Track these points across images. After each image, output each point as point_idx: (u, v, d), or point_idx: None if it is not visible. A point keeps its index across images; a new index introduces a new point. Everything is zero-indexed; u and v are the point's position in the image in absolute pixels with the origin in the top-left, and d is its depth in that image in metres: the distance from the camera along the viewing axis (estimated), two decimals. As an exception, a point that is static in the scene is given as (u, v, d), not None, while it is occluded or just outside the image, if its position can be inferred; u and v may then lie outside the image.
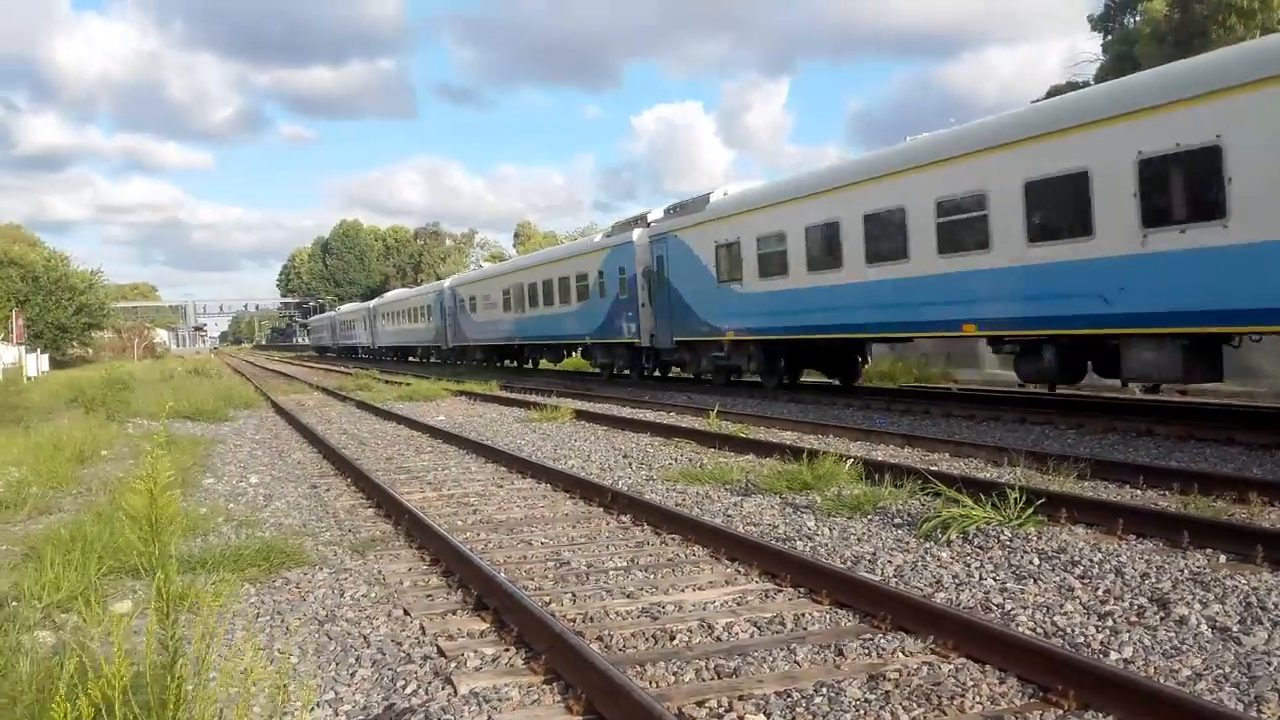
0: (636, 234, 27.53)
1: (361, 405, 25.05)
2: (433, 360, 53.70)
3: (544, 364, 41.12)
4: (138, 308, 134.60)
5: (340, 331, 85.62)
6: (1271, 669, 4.87)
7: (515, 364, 43.16)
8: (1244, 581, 6.20)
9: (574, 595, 6.86)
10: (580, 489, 10.71)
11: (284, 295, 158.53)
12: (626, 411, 19.49)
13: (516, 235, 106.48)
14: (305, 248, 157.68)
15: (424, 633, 6.19)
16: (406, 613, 6.64)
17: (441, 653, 5.77)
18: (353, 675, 5.51)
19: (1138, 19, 30.14)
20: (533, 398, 23.93)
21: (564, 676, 5.18)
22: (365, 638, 6.16)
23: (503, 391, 27.07)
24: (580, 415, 18.83)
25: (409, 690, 5.23)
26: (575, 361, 37.88)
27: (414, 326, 56.30)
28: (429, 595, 7.07)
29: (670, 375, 30.13)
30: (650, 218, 27.40)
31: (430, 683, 5.31)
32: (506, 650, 5.74)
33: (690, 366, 25.83)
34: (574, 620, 6.24)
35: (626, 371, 30.04)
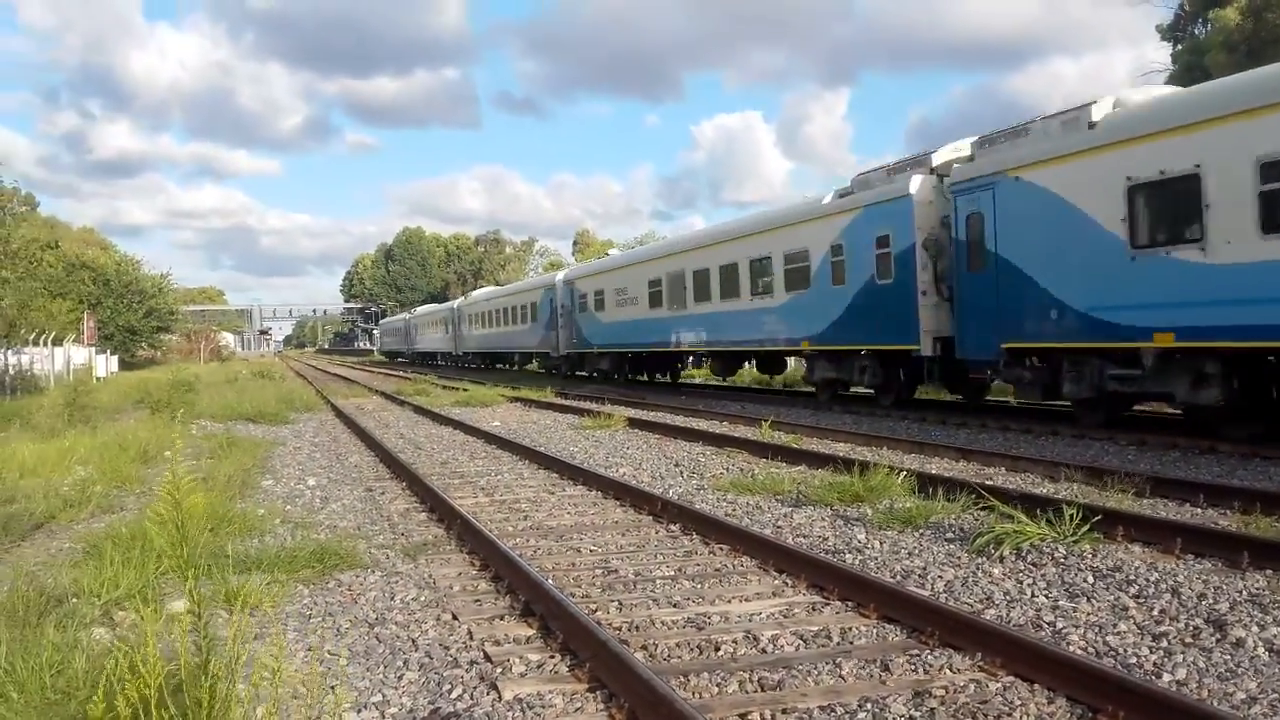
0: (558, 278, 36.07)
1: (419, 410, 25.34)
2: (538, 369, 46.14)
3: (701, 377, 37.08)
4: (205, 311, 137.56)
5: (417, 335, 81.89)
6: (1331, 696, 4.74)
7: (662, 377, 35.36)
8: (1305, 605, 6.04)
9: (620, 603, 6.87)
10: (630, 497, 10.74)
11: (347, 300, 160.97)
12: (679, 420, 19.50)
13: (575, 243, 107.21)
14: (369, 254, 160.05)
15: (471, 638, 6.24)
16: (455, 617, 6.70)
17: (488, 658, 5.82)
18: (400, 678, 5.58)
19: (1208, 28, 29.52)
20: (587, 405, 24.04)
21: (607, 685, 5.19)
22: (414, 641, 6.23)
23: (558, 399, 27.21)
24: (633, 423, 18.87)
25: (454, 695, 5.28)
26: (787, 375, 30.52)
27: (511, 329, 47.87)
28: (477, 600, 7.12)
29: (577, 375, 35.81)
30: (938, 159, 18.53)
31: (476, 688, 5.35)
32: (551, 657, 5.77)
33: (580, 367, 33.12)
34: (619, 629, 6.26)
35: (554, 371, 39.48)
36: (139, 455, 14.52)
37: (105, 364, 52.53)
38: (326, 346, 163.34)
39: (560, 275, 40.73)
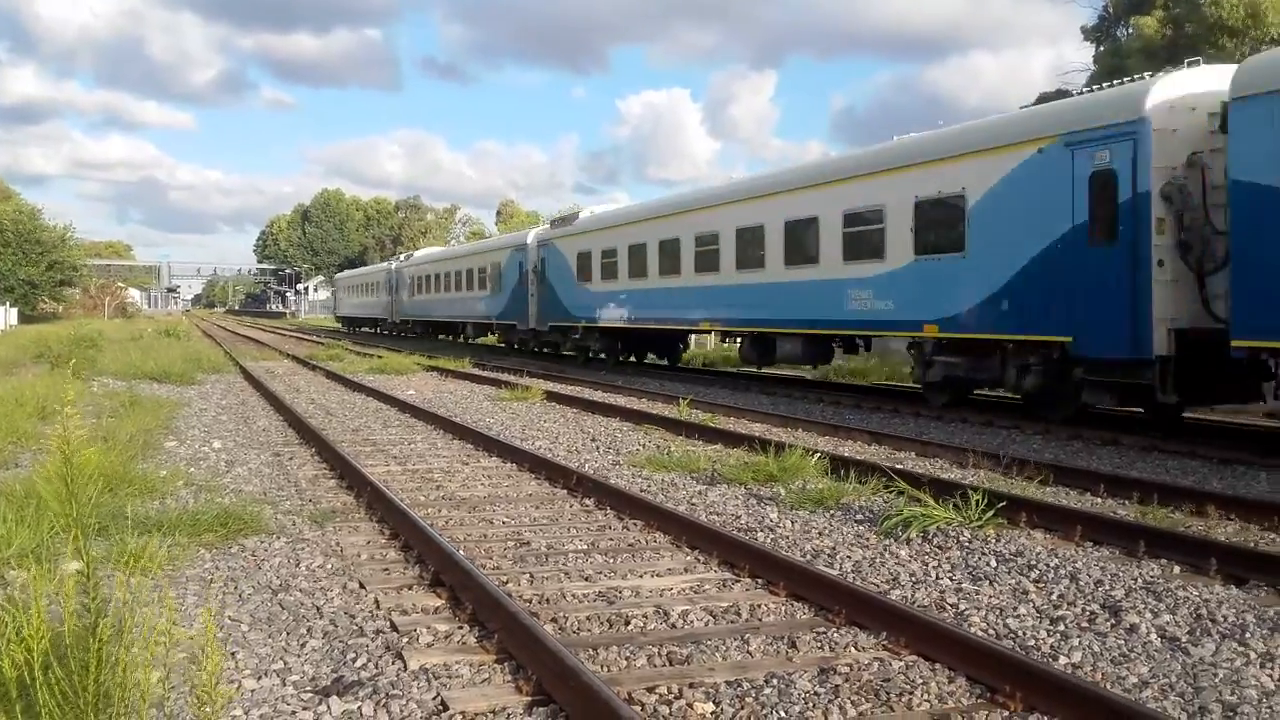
0: (530, 238, 33.46)
1: (331, 375, 24.90)
2: (498, 343, 40.68)
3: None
4: (111, 266, 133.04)
5: (345, 297, 68.26)
6: (1217, 680, 4.91)
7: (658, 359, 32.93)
8: (1196, 593, 6.26)
9: (532, 576, 6.84)
10: (546, 470, 10.69)
11: (261, 261, 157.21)
12: (598, 395, 19.47)
13: (499, 213, 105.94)
14: (284, 214, 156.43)
15: (378, 607, 6.17)
16: (362, 586, 6.61)
17: (394, 627, 5.75)
18: (303, 646, 5.48)
19: (1130, 32, 30.27)
20: (505, 376, 23.86)
21: (515, 656, 5.16)
22: (318, 609, 6.13)
23: (475, 369, 26.96)
24: (551, 397, 18.79)
25: (359, 663, 5.21)
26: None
27: (464, 296, 41.03)
28: (386, 569, 7.03)
29: (557, 354, 34.12)
30: (539, 228, 34.83)
31: (381, 657, 5.29)
32: (460, 628, 5.72)
33: (560, 346, 32.35)
34: (530, 601, 6.23)
35: (521, 347, 36.09)
36: (36, 411, 14.00)
37: (4, 317, 50.54)
38: (237, 308, 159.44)
39: (533, 234, 33.71)
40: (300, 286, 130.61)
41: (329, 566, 7.10)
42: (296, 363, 30.96)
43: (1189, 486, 9.46)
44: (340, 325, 72.05)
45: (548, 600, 6.29)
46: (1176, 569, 6.87)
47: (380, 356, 30.50)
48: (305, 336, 56.83)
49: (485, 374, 25.01)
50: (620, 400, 18.36)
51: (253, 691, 4.83)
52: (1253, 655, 5.23)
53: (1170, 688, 4.85)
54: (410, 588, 6.57)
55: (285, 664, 5.22)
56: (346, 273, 67.95)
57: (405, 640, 5.52)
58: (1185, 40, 26.55)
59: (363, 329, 57.33)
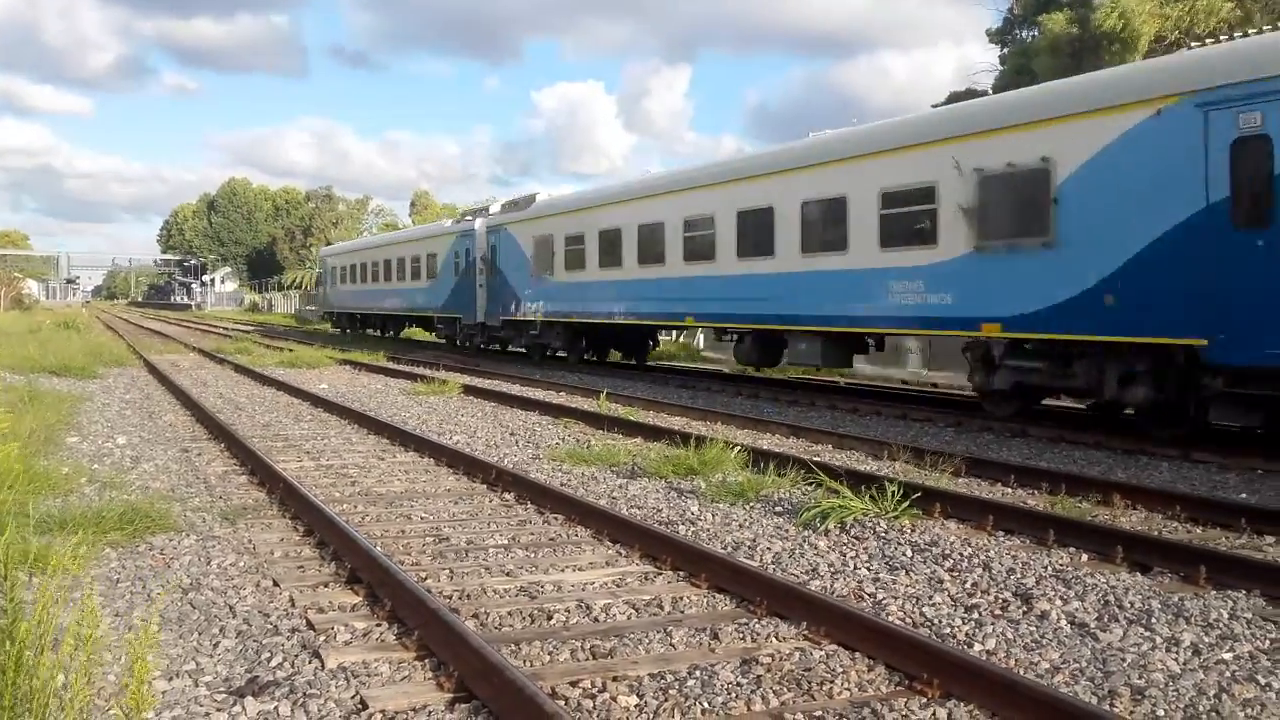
0: (478, 223, 30.44)
1: (240, 369, 24.28)
2: (437, 340, 36.89)
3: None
4: (6, 256, 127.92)
5: (339, 279, 46.86)
6: (1125, 665, 5.07)
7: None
8: (1103, 580, 6.45)
9: (452, 572, 6.76)
10: (464, 465, 10.57)
11: (164, 251, 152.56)
12: (516, 389, 19.34)
13: (413, 204, 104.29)
14: (189, 203, 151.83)
15: (293, 605, 6.04)
16: (276, 584, 6.47)
17: (310, 626, 5.64)
18: (215, 646, 5.35)
19: (1036, 33, 31.02)
20: (420, 370, 23.55)
21: (437, 653, 5.11)
22: (231, 608, 5.99)
23: (389, 362, 26.56)
24: (468, 390, 18.61)
25: (274, 663, 5.10)
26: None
27: (399, 287, 38.00)
28: (300, 567, 6.89)
29: (507, 350, 31.71)
30: (491, 210, 30.59)
31: (297, 656, 5.18)
32: (378, 625, 5.64)
33: (513, 342, 29.55)
34: (450, 597, 6.16)
35: (467, 344, 32.72)
36: (-75, 406, 13.36)
37: (-112, 307, 48.20)
38: (140, 300, 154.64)
39: (481, 219, 30.15)
40: (206, 278, 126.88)
41: (241, 565, 6.93)
42: (203, 356, 30.14)
43: (1095, 477, 9.75)
44: (331, 325, 50.76)
45: (468, 596, 6.23)
46: (1085, 557, 7.07)
47: (291, 350, 29.85)
48: (212, 329, 55.37)
49: (400, 367, 24.65)
50: (539, 394, 18.25)
51: (164, 694, 4.69)
52: (1158, 640, 5.41)
53: (1081, 672, 4.99)
54: (326, 585, 6.44)
55: (198, 665, 5.08)
56: (349, 244, 50.96)
57: (322, 639, 5.42)
58: (1091, 37, 27.29)
59: (386, 332, 43.01)
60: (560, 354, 27.09)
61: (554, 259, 25.43)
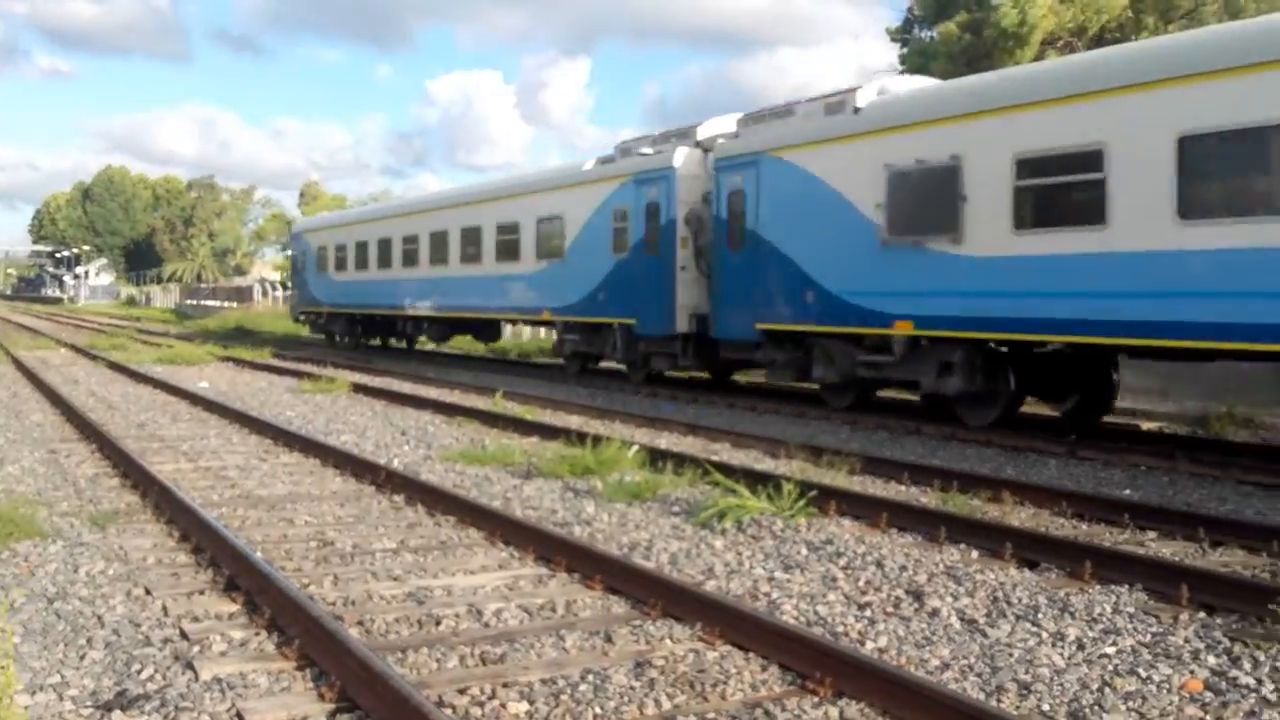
0: (681, 157, 17.57)
1: (114, 366, 23.28)
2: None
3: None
4: None
5: (338, 264, 32.45)
6: (1012, 660, 5.13)
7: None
8: (993, 576, 6.55)
9: (336, 577, 6.53)
10: (351, 466, 10.27)
11: (36, 242, 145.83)
12: (407, 387, 18.95)
13: (302, 195, 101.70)
14: (63, 192, 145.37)
15: (166, 614, 5.77)
16: (148, 592, 6.17)
17: (184, 635, 5.39)
18: (82, 658, 5.08)
19: (934, 35, 31.64)
20: (307, 367, 22.92)
21: (318, 663, 4.91)
22: (99, 618, 5.69)
23: (275, 360, 25.80)
24: (358, 389, 18.16)
25: (144, 675, 4.85)
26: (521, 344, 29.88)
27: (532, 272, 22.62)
28: (175, 574, 6.58)
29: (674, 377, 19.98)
30: (704, 132, 17.74)
31: (169, 667, 4.94)
32: (257, 634, 5.42)
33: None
34: (334, 604, 5.93)
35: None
36: None
37: None
38: (9, 293, 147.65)
39: (687, 153, 17.95)
40: (80, 270, 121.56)
41: (111, 572, 6.58)
42: (75, 352, 28.86)
43: (987, 474, 9.95)
44: (312, 329, 35.88)
45: (353, 602, 6.01)
46: (975, 553, 7.18)
47: (170, 346, 28.80)
48: (86, 324, 53.12)
49: (286, 364, 23.96)
50: (433, 392, 17.91)
51: (27, 708, 4.43)
52: (1045, 635, 5.49)
53: (970, 668, 5.03)
54: (202, 593, 6.16)
55: (63, 678, 4.81)
56: (348, 213, 38.82)
57: (196, 649, 5.17)
58: (983, 45, 27.98)
59: (412, 342, 30.94)
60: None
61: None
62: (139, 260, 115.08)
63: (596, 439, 10.82)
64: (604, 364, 21.63)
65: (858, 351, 14.24)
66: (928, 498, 9.09)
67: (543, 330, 29.69)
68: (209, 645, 5.22)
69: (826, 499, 8.33)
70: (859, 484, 9.64)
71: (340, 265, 31.89)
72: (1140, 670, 4.99)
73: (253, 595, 5.90)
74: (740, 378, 20.59)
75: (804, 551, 7.18)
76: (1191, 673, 4.97)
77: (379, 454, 11.30)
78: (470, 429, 13.47)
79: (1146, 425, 14.11)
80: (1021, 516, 8.44)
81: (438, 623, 5.67)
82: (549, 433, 12.65)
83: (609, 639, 5.39)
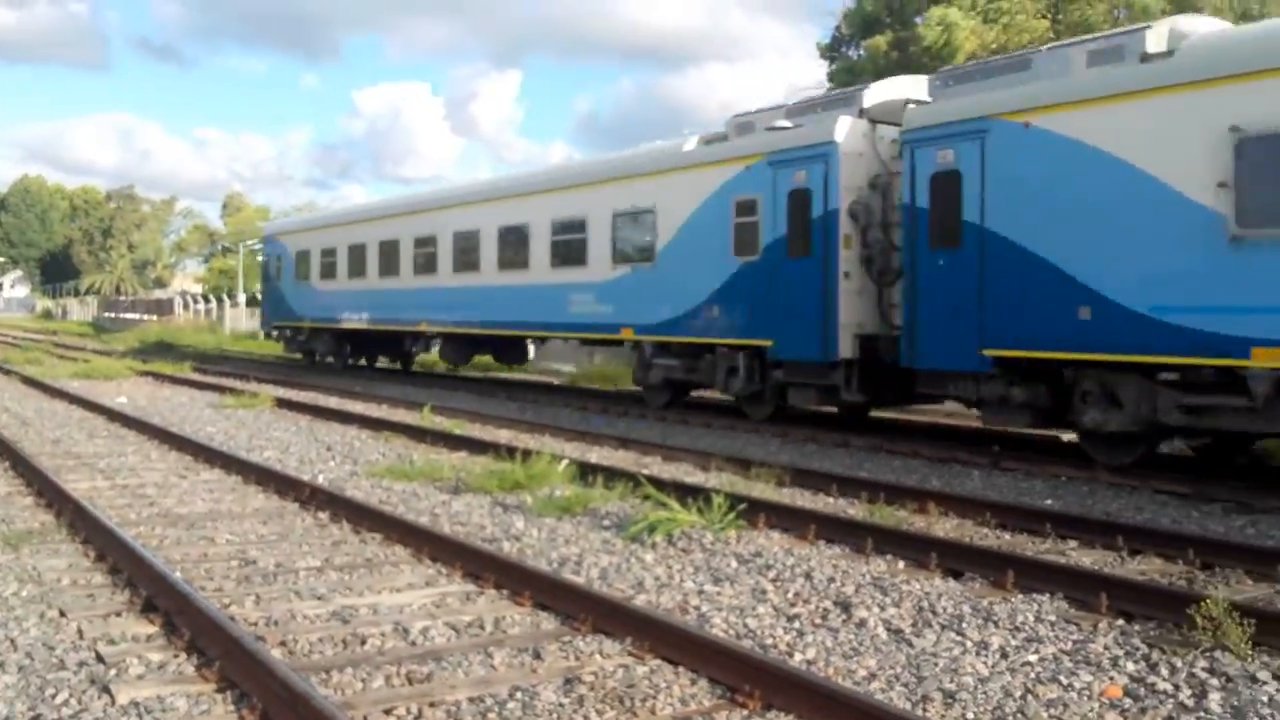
0: (844, 128, 13.50)
1: (28, 381, 22.56)
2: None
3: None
4: None
5: (325, 271, 27.69)
6: (938, 669, 5.19)
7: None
8: (918, 586, 6.63)
9: (258, 597, 6.39)
10: (275, 483, 10.07)
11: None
12: (333, 402, 18.66)
13: (225, 206, 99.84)
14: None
15: (81, 636, 5.60)
16: (63, 614, 5.99)
17: (100, 659, 5.24)
18: (-9, 684, 4.87)
19: (862, 53, 32.12)
20: (229, 382, 22.44)
21: (239, 685, 4.81)
22: (12, 641, 5.51)
23: (196, 374, 25.23)
24: (282, 403, 17.83)
25: (59, 700, 4.72)
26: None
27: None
28: (90, 595, 6.39)
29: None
30: (872, 98, 13.86)
31: (85, 692, 4.81)
32: (176, 656, 5.29)
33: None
34: (255, 624, 5.80)
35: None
36: None
37: None
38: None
39: (851, 124, 13.83)
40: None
41: (24, 594, 6.38)
42: (-11, 367, 27.92)
43: (912, 486, 10.08)
44: (287, 348, 30.99)
45: (276, 622, 5.89)
46: (901, 564, 7.27)
47: (87, 360, 28.02)
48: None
49: (208, 379, 23.43)
50: (359, 407, 17.66)
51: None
52: (969, 644, 5.57)
53: (896, 678, 5.08)
54: (119, 615, 6.00)
55: (-32, 706, 4.61)
56: (337, 211, 31.46)
57: (113, 672, 5.04)
58: (910, 62, 28.46)
59: (408, 362, 27.75)
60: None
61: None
62: (56, 272, 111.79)
63: (526, 453, 10.76)
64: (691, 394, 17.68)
65: (1169, 391, 10.21)
66: (855, 509, 9.19)
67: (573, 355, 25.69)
68: (126, 668, 5.10)
69: (756, 512, 8.38)
70: (788, 496, 9.71)
71: (328, 273, 27.21)
72: (1061, 677, 5.08)
73: (171, 616, 5.76)
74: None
75: (734, 564, 7.21)
76: (1111, 679, 5.08)
77: (303, 470, 11.09)
78: (398, 444, 13.30)
79: (1067, 436, 14.43)
80: (946, 527, 8.57)
81: (363, 642, 5.57)
82: (478, 447, 12.54)
83: (538, 655, 5.35)
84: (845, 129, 13.57)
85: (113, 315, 70.03)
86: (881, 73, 28.68)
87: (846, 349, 13.39)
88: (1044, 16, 28.62)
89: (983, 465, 11.56)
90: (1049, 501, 9.64)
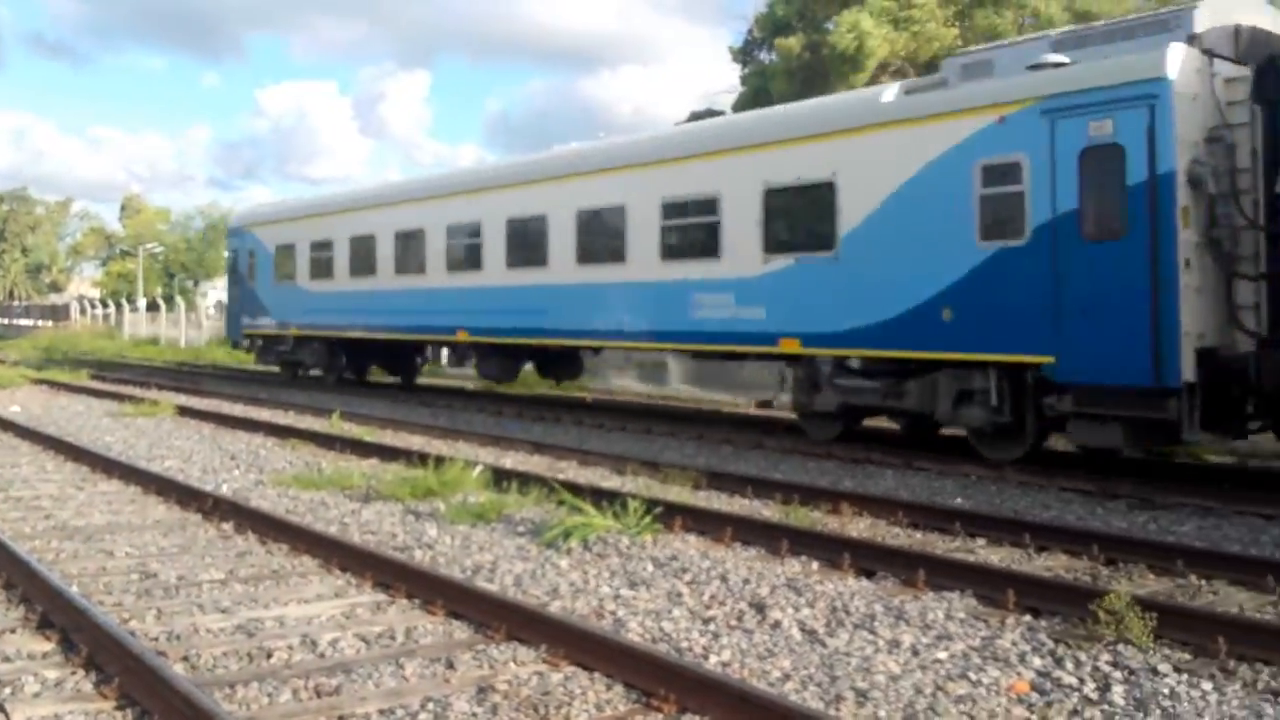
0: (1178, 59, 9.91)
1: (-86, 391, 21.58)
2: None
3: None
4: None
5: (319, 268, 22.90)
6: (850, 669, 5.23)
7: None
8: (832, 586, 6.69)
9: (159, 611, 6.18)
10: (176, 493, 9.75)
11: None
12: (238, 409, 18.17)
13: (124, 208, 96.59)
14: None
15: (-30, 656, 5.34)
16: (-50, 633, 5.70)
17: (-8, 678, 5.02)
18: (-128, 709, 4.62)
19: (773, 56, 32.39)
20: (128, 390, 21.72)
21: (140, 702, 4.68)
22: (-105, 663, 5.22)
23: (93, 382, 24.37)
24: (184, 411, 17.30)
25: (-56, 724, 4.47)
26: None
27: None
28: (-20, 613, 6.10)
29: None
30: (1205, 20, 10.29)
31: (-27, 714, 4.57)
32: (74, 674, 5.12)
33: None
34: (157, 639, 5.62)
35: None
36: None
37: None
38: None
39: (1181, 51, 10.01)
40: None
41: (-96, 614, 6.06)
42: None
43: (826, 487, 10.18)
44: (258, 358, 26.48)
45: (178, 637, 5.70)
46: (815, 565, 7.33)
47: (-19, 369, 26.86)
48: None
49: (105, 387, 22.66)
50: (265, 414, 17.23)
51: None
52: (881, 643, 5.64)
53: (810, 679, 5.11)
54: (13, 631, 5.78)
55: None
56: (333, 195, 24.62)
57: (8, 691, 4.88)
58: (821, 64, 28.80)
59: (411, 374, 23.98)
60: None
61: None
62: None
63: (440, 459, 10.60)
64: (864, 422, 13.91)
65: None
66: (770, 511, 9.24)
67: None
68: (21, 687, 4.94)
69: (672, 515, 8.38)
70: (704, 499, 9.73)
71: (321, 271, 22.62)
72: (971, 674, 5.17)
73: (69, 632, 5.57)
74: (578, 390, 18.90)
75: (650, 568, 7.19)
76: (1019, 674, 5.18)
77: (206, 480, 10.77)
78: (305, 452, 13.00)
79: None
80: (860, 527, 8.68)
81: (269, 655, 5.42)
82: (390, 454, 12.32)
83: (450, 665, 5.26)
84: (1179, 61, 9.86)
85: (5, 321, 67.53)
86: (793, 74, 29.00)
87: (1188, 369, 9.67)
88: (952, 24, 29.21)
89: (896, 465, 11.73)
90: (959, 500, 9.83)
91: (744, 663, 5.35)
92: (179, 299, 60.48)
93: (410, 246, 19.93)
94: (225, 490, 9.97)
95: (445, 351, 23.12)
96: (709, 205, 13.94)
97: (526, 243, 17.00)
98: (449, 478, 9.85)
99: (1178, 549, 7.47)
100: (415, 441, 13.88)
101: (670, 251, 14.52)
